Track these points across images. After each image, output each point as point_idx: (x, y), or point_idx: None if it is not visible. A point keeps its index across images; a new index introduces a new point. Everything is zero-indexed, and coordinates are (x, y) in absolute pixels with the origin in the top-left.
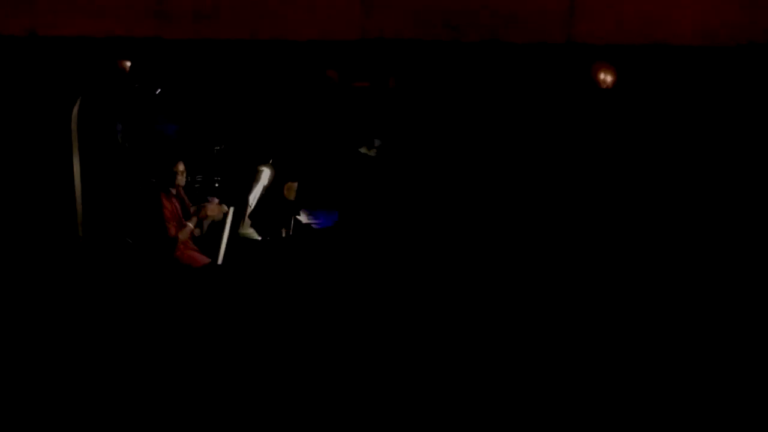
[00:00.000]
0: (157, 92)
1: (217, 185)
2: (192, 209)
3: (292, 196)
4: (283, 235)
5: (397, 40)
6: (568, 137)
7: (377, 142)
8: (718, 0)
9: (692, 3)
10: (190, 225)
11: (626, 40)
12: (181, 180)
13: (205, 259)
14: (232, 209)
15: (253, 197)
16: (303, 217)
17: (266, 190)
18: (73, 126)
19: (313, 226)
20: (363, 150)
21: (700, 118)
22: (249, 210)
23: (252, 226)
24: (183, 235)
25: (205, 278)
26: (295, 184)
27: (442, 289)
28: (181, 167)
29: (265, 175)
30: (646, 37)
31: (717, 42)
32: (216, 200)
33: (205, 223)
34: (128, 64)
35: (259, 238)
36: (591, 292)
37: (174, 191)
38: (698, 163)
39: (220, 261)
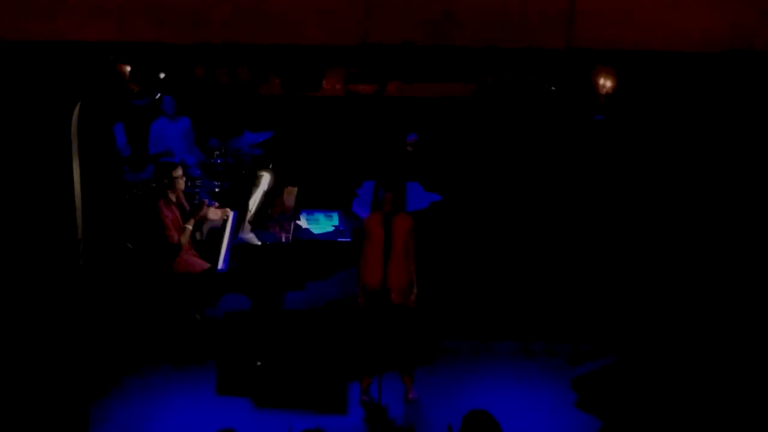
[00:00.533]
0: (157, 96)
1: (217, 190)
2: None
3: (291, 200)
4: (283, 240)
5: (398, 45)
6: (567, 139)
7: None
8: (719, 7)
9: (692, 9)
10: (189, 227)
11: (626, 46)
12: (181, 184)
13: (204, 264)
14: (232, 214)
15: (253, 202)
16: (302, 222)
17: (266, 194)
18: (73, 130)
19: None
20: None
21: (700, 123)
22: (249, 215)
23: (252, 231)
24: (184, 239)
25: (204, 283)
26: (295, 189)
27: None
28: (178, 172)
29: (265, 180)
30: (646, 44)
31: (718, 48)
32: (216, 204)
33: (205, 228)
34: (128, 68)
35: (259, 243)
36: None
37: (173, 197)
38: (699, 168)
39: (220, 266)
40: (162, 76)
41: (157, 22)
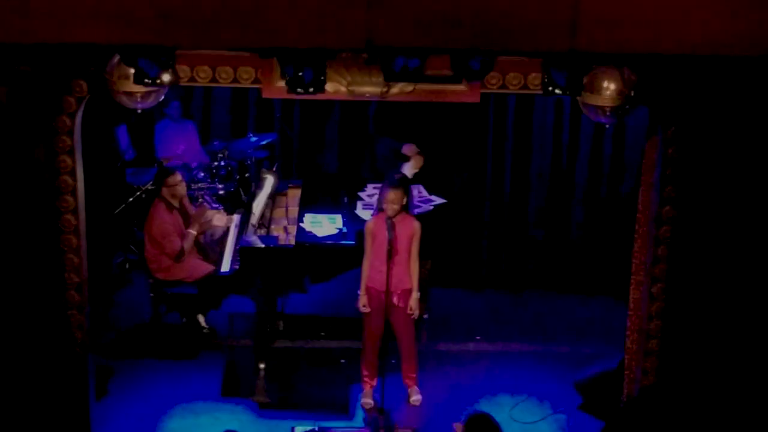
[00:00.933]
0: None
1: (221, 192)
2: (192, 214)
3: (295, 203)
4: (286, 242)
5: (403, 48)
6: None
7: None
8: (725, 11)
9: (695, 13)
10: (193, 232)
11: (629, 49)
12: (180, 190)
13: (209, 267)
14: (237, 217)
15: (257, 205)
16: (306, 225)
17: (270, 197)
18: (77, 131)
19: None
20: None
21: (703, 127)
22: (253, 217)
23: (256, 233)
24: (187, 245)
25: (208, 285)
26: (299, 191)
27: None
28: (177, 178)
29: (269, 182)
30: (650, 47)
31: (724, 51)
32: (220, 207)
33: (209, 232)
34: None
35: (263, 246)
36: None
37: (176, 203)
38: (699, 169)
39: (224, 269)
40: (167, 78)
41: (161, 26)
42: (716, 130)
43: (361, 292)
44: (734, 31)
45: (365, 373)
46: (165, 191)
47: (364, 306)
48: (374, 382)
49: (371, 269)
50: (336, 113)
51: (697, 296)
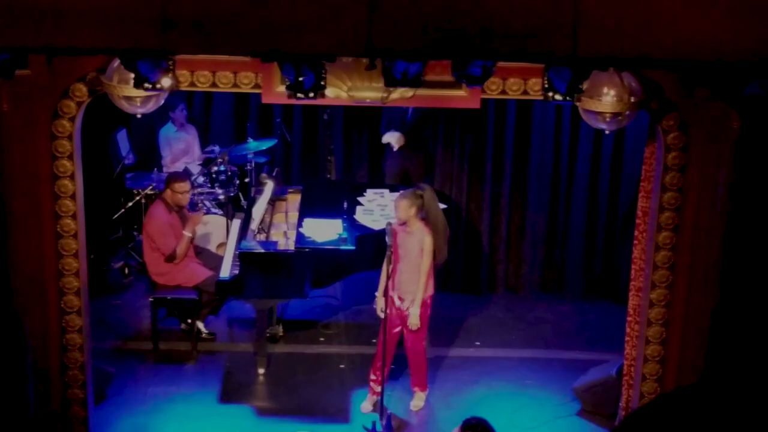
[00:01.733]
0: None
1: (221, 198)
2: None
3: (295, 208)
4: (286, 248)
5: (403, 51)
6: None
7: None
8: (726, 15)
9: (699, 19)
10: (188, 234)
11: (629, 54)
12: (184, 200)
13: (208, 273)
14: (238, 222)
15: (257, 210)
16: (306, 230)
17: (270, 202)
18: (76, 136)
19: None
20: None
21: (704, 133)
22: (253, 223)
23: (255, 238)
24: (181, 248)
25: (208, 290)
26: (299, 196)
27: None
28: (183, 187)
29: (269, 187)
30: (650, 52)
31: (724, 56)
32: (220, 213)
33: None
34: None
35: (263, 251)
36: None
37: (176, 208)
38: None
39: (224, 274)
40: (167, 83)
41: (161, 30)
42: (717, 136)
43: (378, 294)
44: (735, 35)
45: (372, 377)
46: (168, 194)
47: (381, 311)
48: (379, 389)
49: (382, 272)
50: (339, 117)
51: (701, 301)
